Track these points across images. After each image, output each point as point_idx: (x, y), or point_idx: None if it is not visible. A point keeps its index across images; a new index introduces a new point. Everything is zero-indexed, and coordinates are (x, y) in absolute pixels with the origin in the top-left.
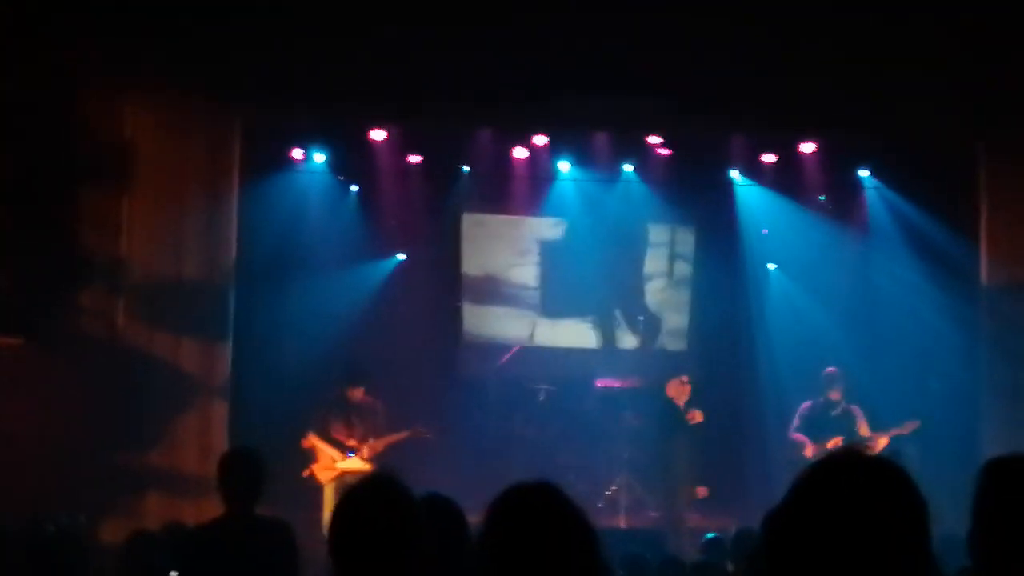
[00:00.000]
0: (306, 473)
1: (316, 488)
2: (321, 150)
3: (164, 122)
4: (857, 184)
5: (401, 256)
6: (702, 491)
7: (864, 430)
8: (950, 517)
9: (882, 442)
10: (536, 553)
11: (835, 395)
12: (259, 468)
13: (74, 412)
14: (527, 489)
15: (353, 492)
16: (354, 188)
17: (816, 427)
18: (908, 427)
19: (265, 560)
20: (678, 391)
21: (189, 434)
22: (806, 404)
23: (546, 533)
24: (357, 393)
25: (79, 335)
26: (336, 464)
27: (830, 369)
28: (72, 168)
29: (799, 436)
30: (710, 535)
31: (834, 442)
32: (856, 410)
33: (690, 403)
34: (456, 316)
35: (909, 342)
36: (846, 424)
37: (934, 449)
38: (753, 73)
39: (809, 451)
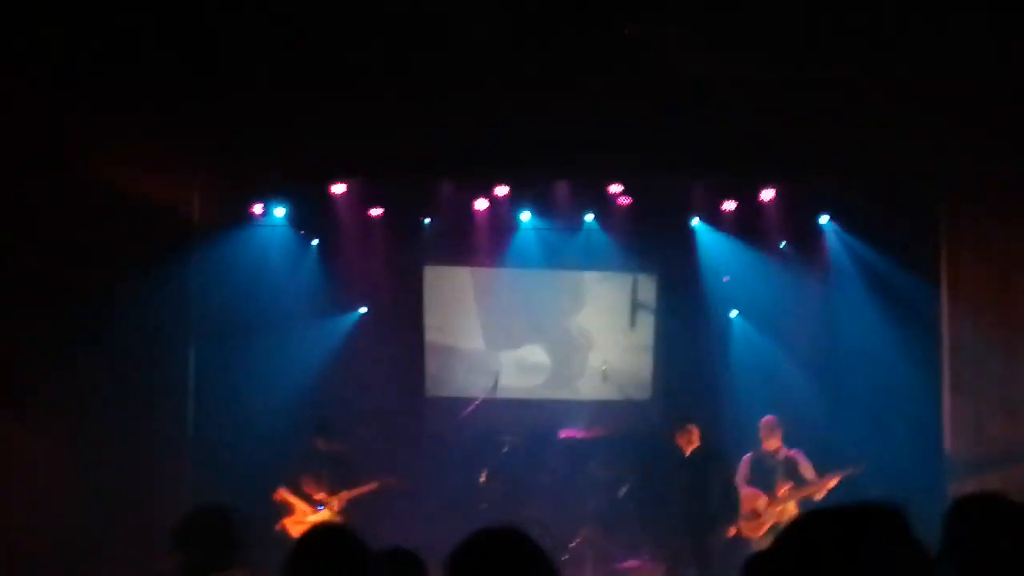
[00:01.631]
0: (278, 527)
1: (287, 543)
2: (281, 204)
3: (122, 177)
4: (818, 230)
5: (363, 310)
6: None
7: (808, 472)
8: None
9: (830, 483)
10: None
11: (772, 443)
12: (227, 529)
13: (40, 473)
14: (493, 533)
15: (303, 542)
16: (315, 242)
17: (763, 477)
18: (858, 468)
19: None
20: (686, 440)
21: (152, 494)
22: (747, 456)
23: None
24: (324, 444)
25: (46, 397)
26: (307, 518)
27: (766, 418)
28: (31, 224)
29: (749, 489)
30: None
31: (784, 488)
32: (798, 454)
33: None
34: (419, 369)
35: (871, 385)
36: (790, 469)
37: (897, 491)
38: (713, 121)
39: (762, 502)
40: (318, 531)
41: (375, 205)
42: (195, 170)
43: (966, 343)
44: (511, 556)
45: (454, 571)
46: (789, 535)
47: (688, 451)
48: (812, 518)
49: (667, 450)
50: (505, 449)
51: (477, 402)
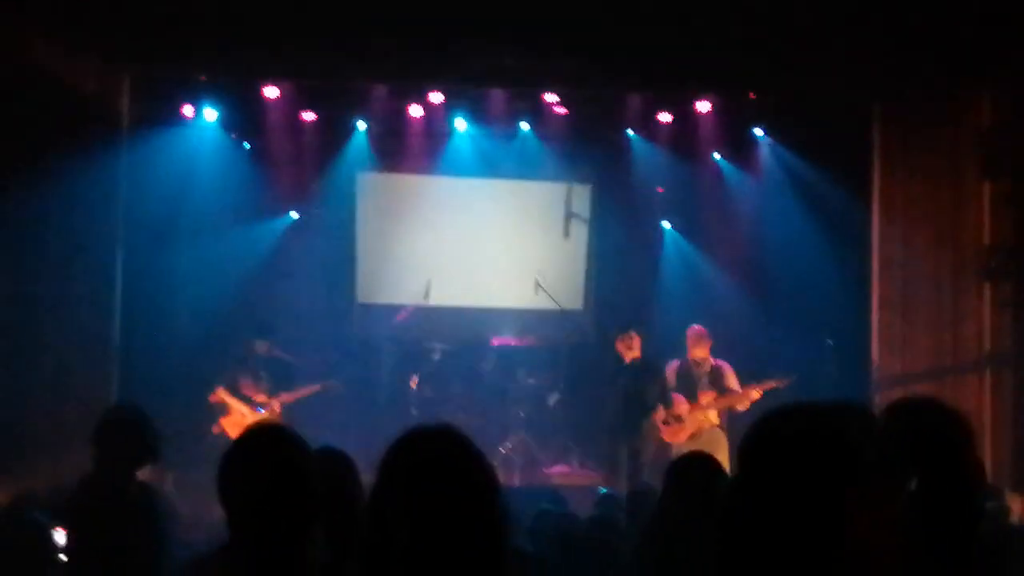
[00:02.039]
0: (216, 429)
1: (224, 443)
2: (213, 106)
3: (50, 74)
4: (752, 142)
5: (294, 215)
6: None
7: (732, 383)
8: None
9: (754, 395)
10: (438, 495)
11: (699, 352)
12: (142, 428)
13: None
14: (428, 432)
15: (244, 440)
16: (246, 145)
17: (687, 385)
18: (784, 381)
19: (134, 525)
20: (626, 346)
21: (79, 393)
22: (674, 363)
23: (448, 474)
24: (263, 347)
25: None
26: (246, 420)
27: (694, 327)
28: None
29: (674, 395)
30: (603, 490)
31: (707, 396)
32: (724, 364)
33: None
34: (351, 275)
35: (802, 298)
36: (715, 379)
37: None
38: (649, 32)
39: (685, 408)
40: (260, 429)
41: (308, 109)
42: (125, 67)
43: (895, 257)
44: (446, 454)
45: (388, 469)
46: (763, 431)
47: (628, 358)
48: (784, 414)
49: (598, 359)
50: (436, 356)
51: (409, 309)
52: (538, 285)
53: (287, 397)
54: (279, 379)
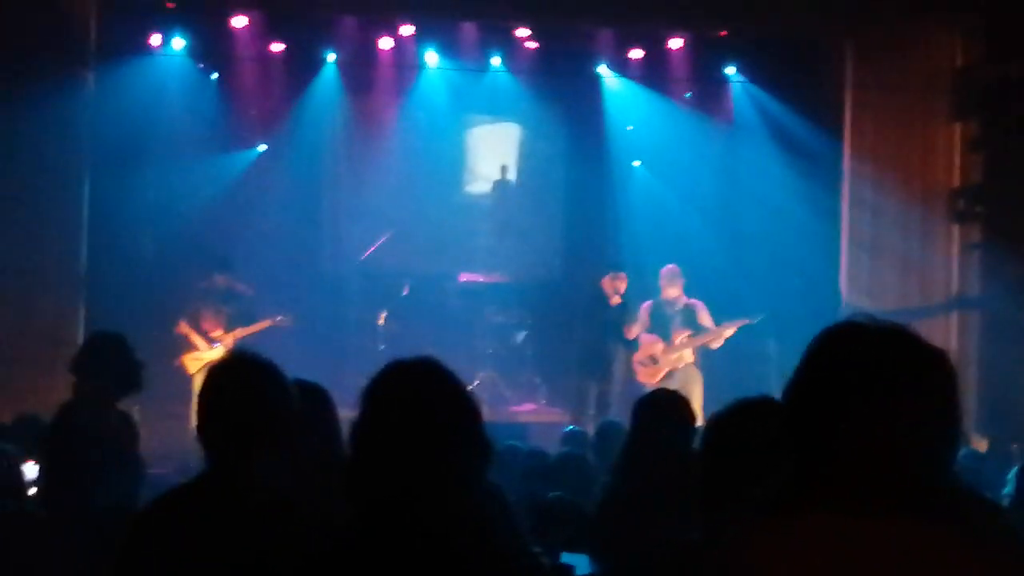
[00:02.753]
0: (178, 362)
1: (183, 378)
2: (181, 35)
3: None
4: (723, 80)
5: (262, 147)
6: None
7: (706, 321)
8: None
9: (727, 332)
10: (427, 422)
11: (672, 292)
12: (126, 356)
13: None
14: (412, 362)
15: (222, 368)
16: (214, 76)
17: (661, 324)
18: (756, 319)
19: (114, 454)
20: (612, 287)
21: (44, 324)
22: (647, 304)
23: (435, 402)
24: (223, 281)
25: None
26: (202, 354)
27: (667, 267)
28: None
29: (648, 336)
30: (569, 427)
31: (680, 335)
32: (697, 303)
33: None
34: (317, 208)
35: (772, 237)
36: (689, 317)
37: (793, 343)
38: None
39: (659, 348)
40: (243, 358)
41: (276, 40)
42: None
43: (865, 197)
44: (432, 383)
45: (374, 398)
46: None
47: (613, 299)
48: (847, 330)
49: (566, 297)
50: (405, 292)
51: (378, 243)
52: (507, 222)
53: (241, 332)
54: (237, 314)
